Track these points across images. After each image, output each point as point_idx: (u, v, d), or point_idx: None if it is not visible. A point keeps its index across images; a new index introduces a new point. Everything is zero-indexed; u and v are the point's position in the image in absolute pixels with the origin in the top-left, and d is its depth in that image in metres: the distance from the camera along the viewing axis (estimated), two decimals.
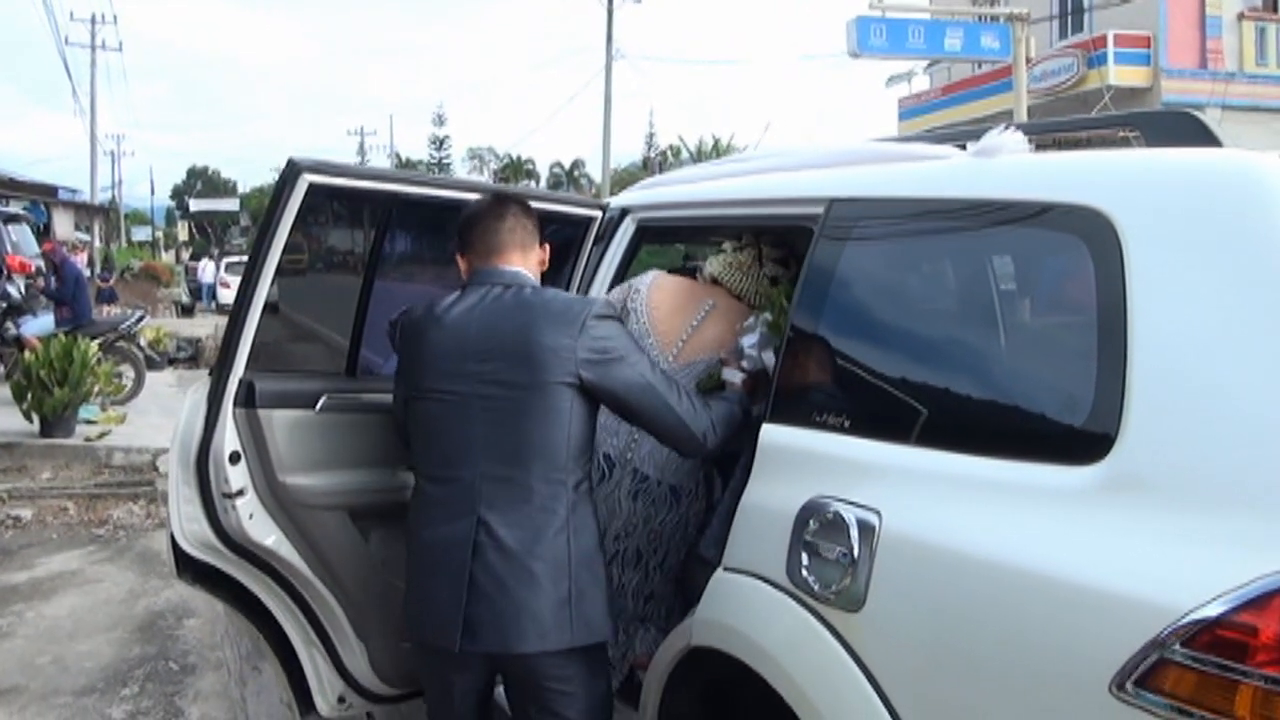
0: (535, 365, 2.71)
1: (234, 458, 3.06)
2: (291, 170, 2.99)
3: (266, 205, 3.10)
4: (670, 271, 3.76)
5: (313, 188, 3.01)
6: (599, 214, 3.74)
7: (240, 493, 3.07)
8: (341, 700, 3.48)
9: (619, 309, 3.37)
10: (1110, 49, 25.03)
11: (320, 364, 3.72)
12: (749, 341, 3.15)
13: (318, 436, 3.25)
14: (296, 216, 3.02)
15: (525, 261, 2.96)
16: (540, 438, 2.72)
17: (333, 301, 3.78)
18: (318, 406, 3.24)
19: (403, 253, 4.00)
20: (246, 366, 3.08)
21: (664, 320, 3.39)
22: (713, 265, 3.61)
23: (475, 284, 2.90)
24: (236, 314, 3.06)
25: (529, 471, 2.72)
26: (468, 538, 2.70)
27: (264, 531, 3.14)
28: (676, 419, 2.81)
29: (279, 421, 3.15)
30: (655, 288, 3.50)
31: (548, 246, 3.11)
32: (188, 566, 3.22)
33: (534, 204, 3.35)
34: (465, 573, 2.69)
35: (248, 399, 3.08)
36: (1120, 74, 25.13)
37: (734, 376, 3.14)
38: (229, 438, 3.05)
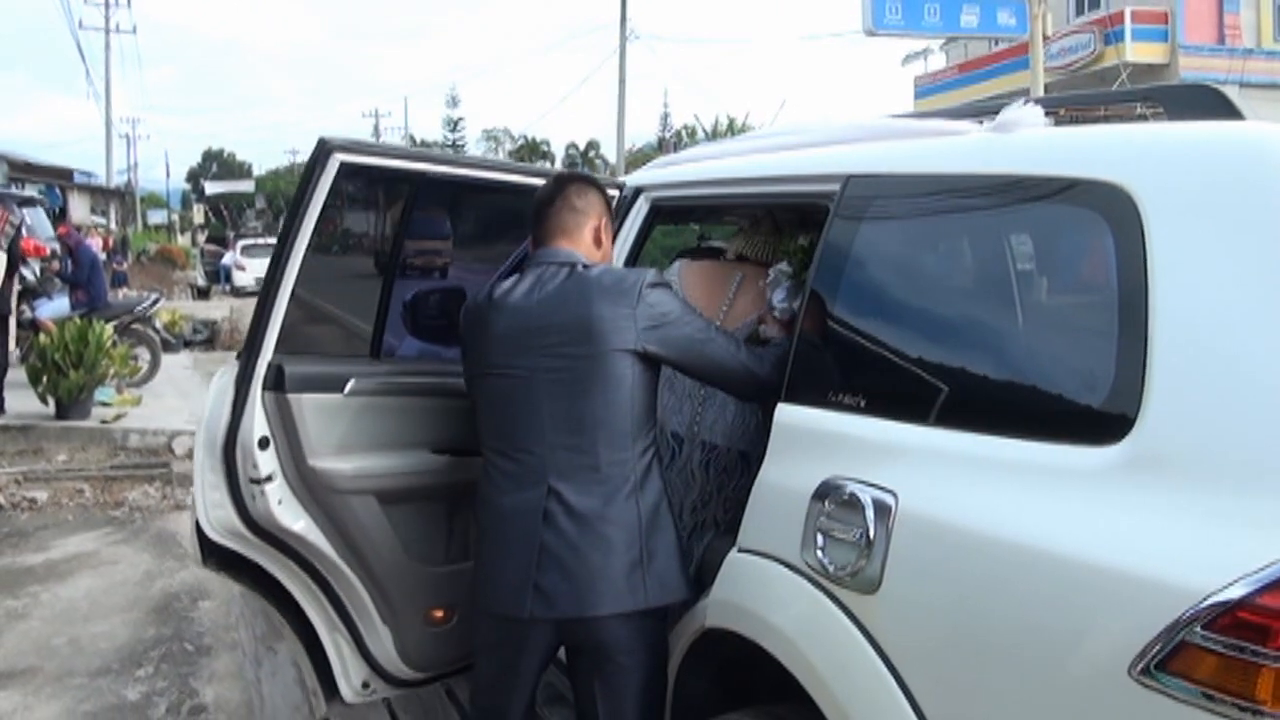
0: (595, 336, 2.78)
1: (263, 443, 3.03)
2: (322, 150, 2.97)
3: (296, 186, 3.07)
4: (693, 256, 3.79)
5: (344, 167, 2.98)
6: (614, 193, 3.69)
7: (269, 478, 3.04)
8: (366, 685, 3.45)
9: None
10: (1128, 25, 24.92)
11: (340, 347, 3.68)
12: (778, 297, 3.20)
13: (346, 420, 3.22)
14: (328, 197, 2.99)
15: (573, 243, 3.03)
16: (604, 406, 2.79)
17: (354, 284, 3.75)
18: (346, 390, 3.20)
19: (431, 233, 3.98)
20: (275, 350, 3.05)
21: (699, 302, 3.39)
22: (736, 244, 3.68)
23: (532, 266, 2.98)
24: (265, 296, 3.03)
25: (595, 440, 2.79)
26: (538, 506, 2.78)
27: (292, 517, 3.10)
28: (741, 364, 2.90)
29: (308, 405, 3.12)
30: (685, 274, 3.57)
31: (605, 219, 3.15)
32: (212, 554, 3.21)
33: (514, 178, 3.48)
34: (536, 541, 2.76)
35: (277, 382, 3.05)
36: (1137, 50, 25.03)
37: (772, 332, 3.20)
38: (258, 422, 3.03)
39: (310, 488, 3.13)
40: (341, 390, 3.19)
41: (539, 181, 3.42)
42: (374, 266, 3.62)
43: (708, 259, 3.73)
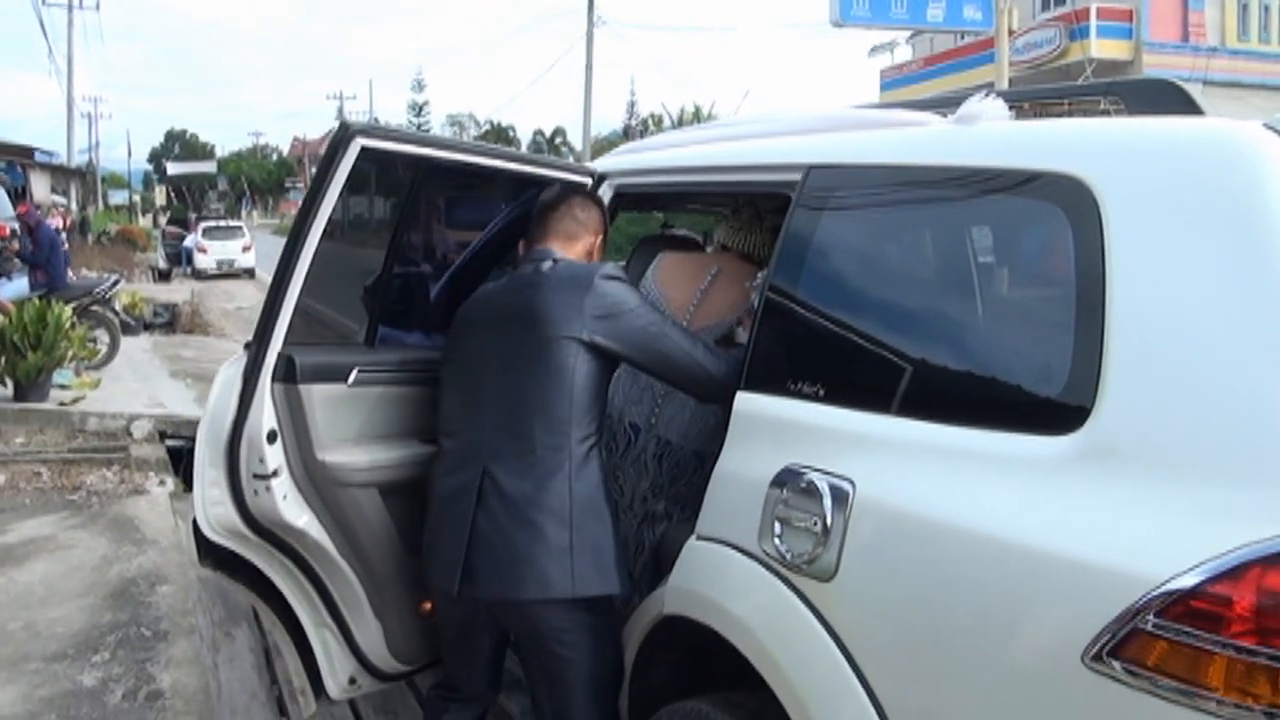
0: (542, 322, 2.82)
1: (271, 436, 2.98)
2: (344, 133, 2.94)
3: (317, 168, 3.02)
4: (668, 245, 3.78)
5: (365, 151, 2.95)
6: (589, 180, 3.68)
7: (275, 473, 2.99)
8: (352, 681, 3.43)
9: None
10: (1093, 22, 25.11)
11: (335, 336, 3.61)
12: None
13: (351, 411, 3.19)
14: (346, 181, 2.96)
15: (566, 247, 3.11)
16: (542, 391, 2.81)
17: (348, 269, 3.69)
18: (349, 380, 3.16)
19: (433, 222, 3.95)
20: (284, 340, 2.99)
21: (672, 291, 3.44)
22: (718, 233, 3.71)
23: (518, 263, 3.08)
24: (278, 283, 2.98)
25: (531, 425, 2.81)
26: (473, 486, 2.81)
27: (296, 512, 3.07)
28: (694, 362, 2.89)
29: (318, 397, 3.07)
30: (661, 266, 3.58)
31: (600, 238, 3.26)
32: (209, 553, 3.17)
33: (522, 167, 3.44)
34: (469, 520, 2.79)
35: (287, 374, 3.00)
36: (1102, 47, 25.23)
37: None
38: (267, 416, 2.97)
39: (316, 482, 3.09)
40: (346, 380, 3.15)
41: (554, 173, 3.48)
42: (371, 252, 3.58)
43: (685, 250, 3.74)
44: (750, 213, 3.60)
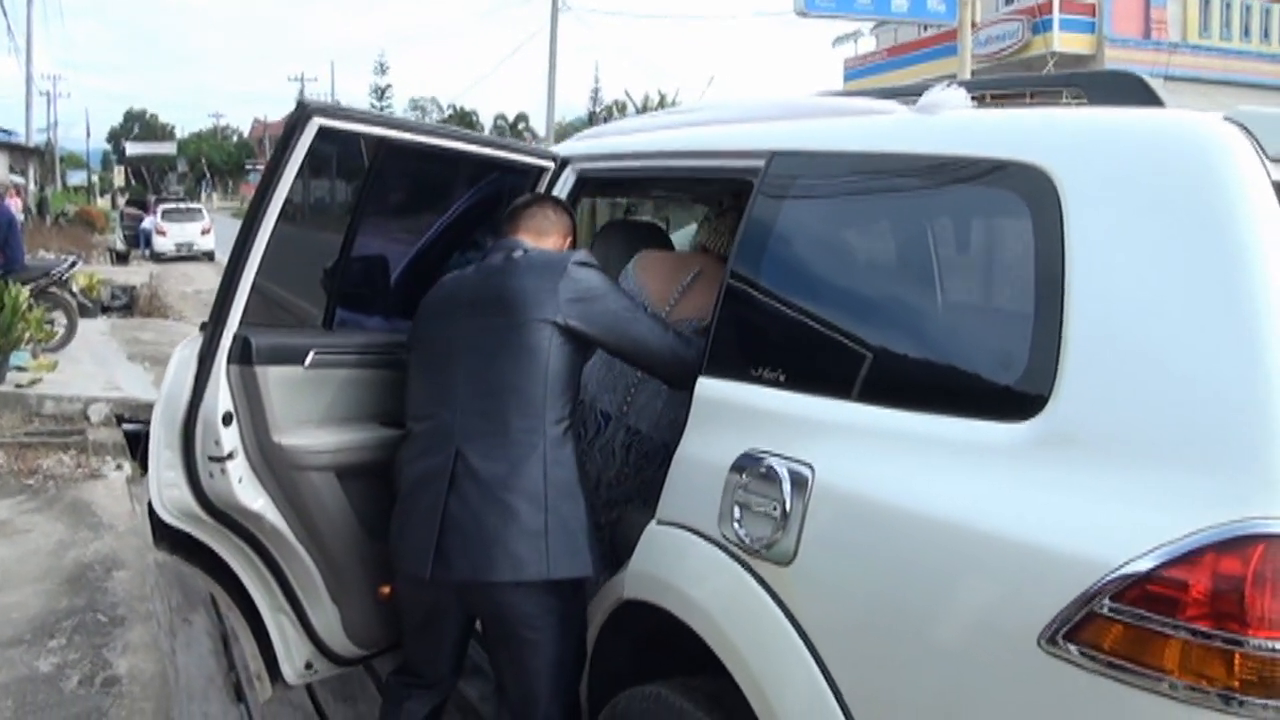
0: (516, 307, 2.84)
1: (226, 418, 2.95)
2: (302, 112, 2.91)
3: (274, 148, 3.00)
4: (636, 234, 3.81)
5: (323, 131, 2.93)
6: (550, 165, 3.67)
7: (231, 455, 2.96)
8: (309, 666, 3.40)
9: None
10: (1055, 15, 25.29)
11: (292, 318, 3.58)
12: None
13: (308, 394, 3.15)
14: (303, 161, 2.93)
15: (536, 241, 3.12)
16: (517, 374, 2.82)
17: (306, 252, 3.66)
18: (306, 362, 3.12)
19: (391, 205, 3.93)
20: (240, 322, 2.96)
21: (653, 285, 3.43)
22: (699, 234, 3.69)
23: (486, 253, 3.09)
24: (234, 264, 2.95)
25: (506, 407, 2.81)
26: (445, 469, 2.80)
27: (252, 495, 3.03)
28: (666, 346, 2.94)
29: (274, 379, 3.04)
30: (641, 263, 3.57)
31: (568, 241, 3.28)
32: (165, 535, 3.14)
33: (482, 150, 3.47)
34: (441, 503, 2.78)
35: (243, 355, 2.97)
36: (1065, 40, 25.43)
37: None
38: (222, 397, 2.94)
39: (272, 464, 3.06)
40: (303, 363, 3.12)
41: (514, 156, 3.52)
42: (330, 235, 3.55)
43: (651, 238, 3.74)
44: (734, 218, 3.56)
